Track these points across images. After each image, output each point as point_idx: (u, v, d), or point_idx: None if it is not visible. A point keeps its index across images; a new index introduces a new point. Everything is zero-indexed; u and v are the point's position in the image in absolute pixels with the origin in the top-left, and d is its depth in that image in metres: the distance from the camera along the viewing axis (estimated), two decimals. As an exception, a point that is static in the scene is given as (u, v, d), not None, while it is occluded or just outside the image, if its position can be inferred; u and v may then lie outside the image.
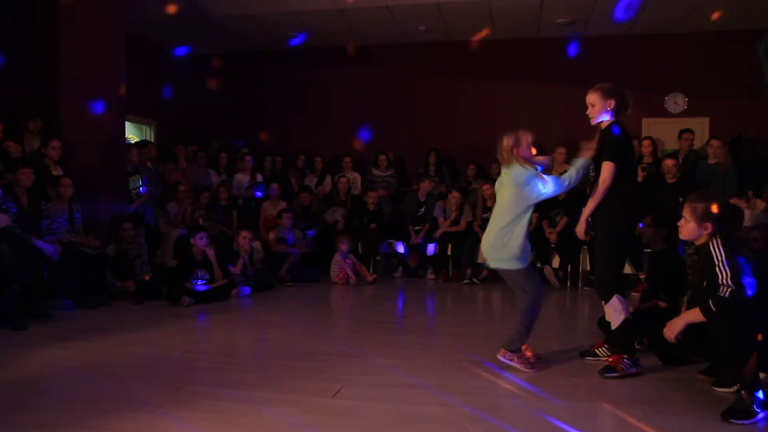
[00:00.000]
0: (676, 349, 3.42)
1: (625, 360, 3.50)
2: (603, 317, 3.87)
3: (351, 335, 4.60)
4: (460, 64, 9.42)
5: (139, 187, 6.92)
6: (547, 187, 3.56)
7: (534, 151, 3.71)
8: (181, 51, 9.09)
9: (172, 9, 7.62)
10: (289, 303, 6.27)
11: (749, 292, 2.80)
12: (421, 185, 8.23)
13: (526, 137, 3.63)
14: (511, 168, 3.59)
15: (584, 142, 3.76)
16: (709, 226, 3.02)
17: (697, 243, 3.13)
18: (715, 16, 7.76)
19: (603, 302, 3.62)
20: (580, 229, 3.64)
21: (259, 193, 8.16)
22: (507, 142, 3.61)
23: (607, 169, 3.48)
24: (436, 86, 9.53)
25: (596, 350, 3.89)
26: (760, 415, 2.78)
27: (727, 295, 2.81)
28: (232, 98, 10.07)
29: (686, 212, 3.11)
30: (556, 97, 8.89)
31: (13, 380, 3.39)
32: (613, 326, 3.58)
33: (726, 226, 3.04)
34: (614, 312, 3.54)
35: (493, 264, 3.73)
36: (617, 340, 3.62)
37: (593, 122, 3.67)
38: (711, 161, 7.04)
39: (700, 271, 3.07)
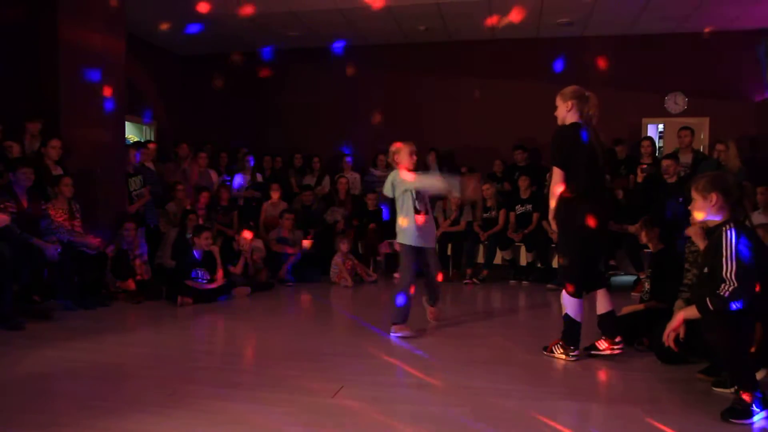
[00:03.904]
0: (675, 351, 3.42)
1: (559, 344, 3.87)
2: (602, 315, 3.88)
3: (351, 335, 4.59)
4: (460, 64, 9.42)
5: (139, 189, 6.90)
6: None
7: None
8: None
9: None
10: (289, 303, 6.27)
11: (745, 300, 2.79)
12: None
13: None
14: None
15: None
16: (714, 197, 2.97)
17: (711, 225, 3.07)
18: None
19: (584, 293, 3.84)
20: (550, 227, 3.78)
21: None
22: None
23: (553, 172, 3.71)
24: (436, 86, 9.52)
25: (596, 344, 3.95)
26: (760, 415, 2.78)
27: (727, 294, 2.81)
28: (231, 98, 10.06)
29: (692, 193, 3.10)
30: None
31: (14, 380, 3.39)
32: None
33: (730, 196, 2.98)
34: (565, 303, 3.84)
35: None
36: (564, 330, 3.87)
37: (559, 124, 3.89)
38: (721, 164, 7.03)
39: (707, 254, 3.02)
